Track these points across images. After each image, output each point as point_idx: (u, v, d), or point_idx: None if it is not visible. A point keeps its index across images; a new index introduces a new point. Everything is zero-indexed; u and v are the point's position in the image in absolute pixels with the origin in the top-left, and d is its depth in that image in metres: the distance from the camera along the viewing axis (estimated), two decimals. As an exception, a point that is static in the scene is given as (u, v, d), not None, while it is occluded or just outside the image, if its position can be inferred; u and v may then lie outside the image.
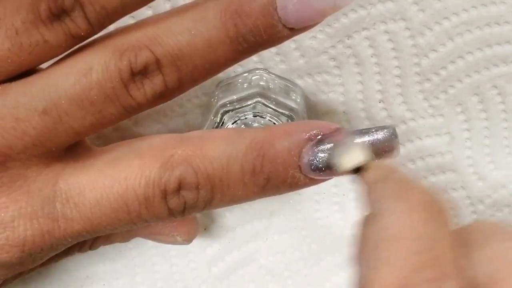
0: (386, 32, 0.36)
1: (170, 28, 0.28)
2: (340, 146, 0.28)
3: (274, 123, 0.34)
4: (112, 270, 0.42)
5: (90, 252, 0.37)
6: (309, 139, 0.28)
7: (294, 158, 0.28)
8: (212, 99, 0.37)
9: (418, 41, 0.36)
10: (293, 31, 0.28)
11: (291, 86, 0.36)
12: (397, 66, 0.37)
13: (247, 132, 0.29)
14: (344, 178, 0.40)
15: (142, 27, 0.28)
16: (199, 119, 0.38)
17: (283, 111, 0.34)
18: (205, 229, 0.41)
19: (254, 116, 0.34)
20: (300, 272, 0.42)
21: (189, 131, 0.31)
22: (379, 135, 0.28)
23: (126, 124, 0.38)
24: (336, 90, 0.38)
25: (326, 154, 0.28)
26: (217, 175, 0.28)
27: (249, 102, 0.34)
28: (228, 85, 0.36)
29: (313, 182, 0.29)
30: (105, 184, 0.28)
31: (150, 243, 0.41)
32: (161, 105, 0.36)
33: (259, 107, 0.34)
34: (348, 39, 0.36)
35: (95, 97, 0.27)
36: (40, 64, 0.28)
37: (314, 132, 0.29)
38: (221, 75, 0.37)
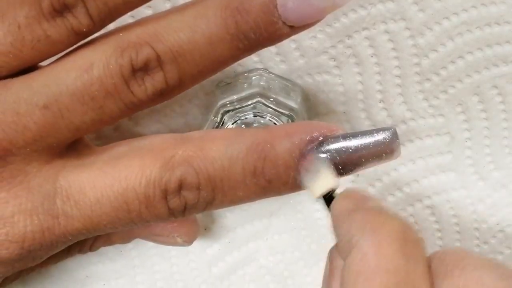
0: (386, 32, 0.36)
1: (171, 25, 0.28)
2: (309, 171, 0.28)
3: (274, 123, 0.34)
4: (112, 270, 0.42)
5: (90, 252, 0.37)
6: (311, 141, 0.28)
7: (295, 159, 0.28)
8: (212, 99, 0.37)
9: (418, 41, 0.36)
10: (293, 29, 0.28)
11: (291, 86, 0.36)
12: (397, 66, 0.37)
13: (248, 133, 0.29)
14: (343, 179, 0.40)
15: (143, 25, 0.28)
16: (200, 119, 0.38)
17: (283, 111, 0.34)
18: (205, 229, 0.41)
19: (254, 116, 0.34)
20: (300, 272, 0.42)
21: (189, 131, 0.31)
22: (380, 137, 0.28)
23: (126, 124, 0.38)
24: (336, 90, 0.38)
25: (327, 156, 0.28)
26: (218, 176, 0.28)
27: (249, 102, 0.34)
28: (228, 85, 0.36)
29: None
30: (106, 183, 0.28)
31: (150, 243, 0.41)
32: (161, 105, 0.37)
33: (259, 107, 0.34)
34: (348, 39, 0.36)
35: (96, 93, 0.27)
36: (42, 60, 0.28)
37: (316, 133, 0.29)
38: (221, 75, 0.37)
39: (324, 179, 0.28)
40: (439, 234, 0.41)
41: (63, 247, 0.30)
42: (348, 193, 0.28)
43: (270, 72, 0.36)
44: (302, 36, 0.36)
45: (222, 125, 0.35)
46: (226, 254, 0.42)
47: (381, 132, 0.28)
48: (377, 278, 0.23)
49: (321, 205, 0.41)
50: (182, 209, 0.29)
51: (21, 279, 0.35)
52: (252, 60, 0.37)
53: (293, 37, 0.35)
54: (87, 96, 0.27)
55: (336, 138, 0.28)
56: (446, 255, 0.25)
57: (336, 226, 0.26)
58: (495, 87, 0.38)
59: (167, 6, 0.35)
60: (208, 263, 0.42)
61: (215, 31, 0.27)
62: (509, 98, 0.38)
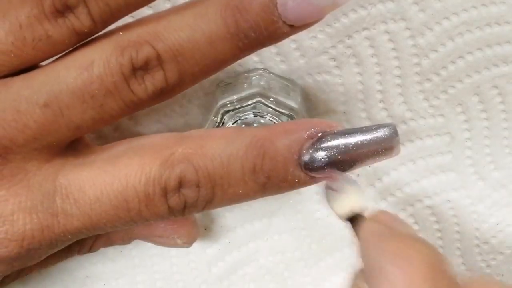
0: (387, 32, 0.36)
1: (171, 24, 0.28)
2: (332, 189, 0.28)
3: (274, 123, 0.34)
4: (112, 270, 0.42)
5: (90, 252, 0.37)
6: (310, 137, 0.29)
7: (295, 156, 0.28)
8: (213, 99, 0.37)
9: (418, 41, 0.36)
10: (293, 28, 0.28)
11: (291, 86, 0.36)
12: (397, 66, 0.37)
13: (248, 131, 0.29)
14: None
15: (143, 24, 0.28)
16: (200, 119, 0.38)
17: (284, 111, 0.34)
18: (205, 229, 0.41)
19: (255, 116, 0.34)
20: (300, 272, 0.42)
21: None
22: (379, 133, 0.28)
23: (126, 124, 0.38)
24: (336, 90, 0.38)
25: (326, 152, 0.28)
26: (218, 173, 0.28)
27: (250, 102, 0.34)
28: (228, 85, 0.36)
29: (314, 180, 0.29)
30: (105, 181, 0.28)
31: (150, 243, 0.41)
32: (161, 105, 0.37)
33: (260, 107, 0.34)
34: (348, 39, 0.36)
35: (96, 91, 0.27)
36: (43, 60, 0.28)
37: (314, 130, 0.29)
38: (221, 75, 0.37)
39: (350, 199, 0.28)
40: (439, 234, 0.41)
41: (62, 246, 0.30)
42: (378, 216, 0.28)
43: (270, 72, 0.36)
44: (302, 36, 0.36)
45: (222, 125, 0.35)
46: (226, 254, 0.42)
47: (380, 128, 0.28)
48: None
49: (322, 207, 0.41)
50: (181, 208, 0.29)
51: (20, 279, 0.35)
52: (252, 60, 0.37)
53: (293, 37, 0.35)
54: (87, 94, 0.27)
55: (335, 135, 0.28)
56: (481, 283, 0.24)
57: (365, 250, 0.26)
58: (495, 87, 0.38)
59: (167, 6, 0.35)
60: (208, 263, 0.42)
61: (215, 30, 0.27)
62: (509, 98, 0.38)
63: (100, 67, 0.27)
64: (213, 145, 0.29)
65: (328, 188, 0.28)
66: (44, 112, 0.27)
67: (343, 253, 0.41)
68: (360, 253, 0.27)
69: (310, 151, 0.28)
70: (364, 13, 0.36)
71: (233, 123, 0.34)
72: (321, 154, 0.28)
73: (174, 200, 0.28)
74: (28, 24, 0.27)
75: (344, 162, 0.28)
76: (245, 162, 0.28)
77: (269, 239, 0.41)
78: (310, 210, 0.41)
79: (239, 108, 0.34)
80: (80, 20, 0.27)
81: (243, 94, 0.35)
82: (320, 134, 0.29)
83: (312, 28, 0.35)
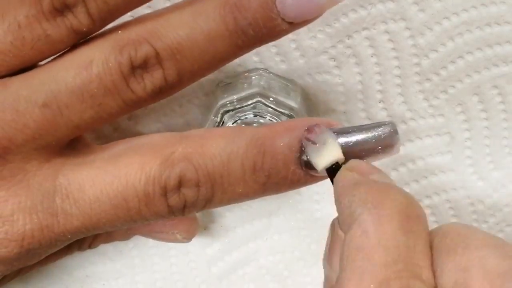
0: (386, 32, 0.36)
1: (169, 22, 0.28)
2: (314, 144, 0.28)
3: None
4: (112, 270, 0.42)
5: (90, 251, 0.37)
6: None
7: (295, 154, 0.28)
8: (212, 99, 0.37)
9: (418, 41, 0.36)
10: (292, 25, 0.28)
11: (291, 86, 0.36)
12: (397, 66, 0.37)
13: (248, 130, 0.29)
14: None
15: (142, 22, 0.28)
16: (200, 119, 0.38)
17: (283, 111, 0.34)
18: (205, 228, 0.41)
19: (254, 115, 0.34)
20: (300, 272, 0.42)
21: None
22: (379, 131, 0.28)
23: (126, 124, 0.38)
24: (336, 90, 0.38)
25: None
26: (218, 172, 0.28)
27: (249, 102, 0.34)
28: (228, 85, 0.36)
29: (314, 179, 0.29)
30: (105, 181, 0.28)
31: (150, 242, 0.41)
32: (161, 104, 0.37)
33: (259, 107, 0.34)
34: (348, 39, 0.36)
35: (95, 90, 0.27)
36: (42, 59, 0.28)
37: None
38: (221, 75, 0.37)
39: (329, 152, 0.28)
40: (439, 234, 0.41)
41: (62, 246, 0.30)
42: (352, 165, 0.28)
43: (270, 72, 0.37)
44: (302, 36, 0.36)
45: (222, 124, 0.35)
46: (226, 253, 0.42)
47: (380, 126, 0.28)
48: (376, 255, 0.23)
49: (322, 207, 0.41)
50: (181, 207, 0.29)
51: (21, 278, 0.35)
52: (252, 60, 0.37)
53: (293, 36, 0.36)
54: (86, 93, 0.27)
55: (335, 133, 0.28)
56: (449, 231, 0.24)
57: (338, 199, 0.26)
58: (495, 87, 0.38)
59: (166, 4, 0.35)
60: (207, 262, 0.42)
61: (214, 28, 0.27)
62: (509, 98, 0.38)
63: (99, 66, 0.27)
64: (213, 144, 0.29)
65: (307, 140, 0.28)
66: (43, 112, 0.27)
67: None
68: (335, 201, 0.27)
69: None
70: (364, 13, 0.36)
71: (233, 123, 0.34)
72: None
73: (174, 199, 0.28)
74: (27, 23, 0.27)
75: (344, 160, 0.28)
76: (245, 160, 0.28)
77: (269, 239, 0.41)
78: (310, 210, 0.41)
79: (239, 108, 0.34)
80: (78, 19, 0.27)
81: (243, 94, 0.35)
82: None
83: (312, 28, 0.35)
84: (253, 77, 0.36)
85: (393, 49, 0.37)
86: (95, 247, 0.37)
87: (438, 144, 0.39)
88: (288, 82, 0.37)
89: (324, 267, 0.27)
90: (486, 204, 0.40)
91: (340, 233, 0.26)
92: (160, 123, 0.38)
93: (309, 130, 0.28)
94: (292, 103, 0.35)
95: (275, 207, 0.41)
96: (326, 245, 0.28)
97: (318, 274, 0.42)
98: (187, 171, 0.28)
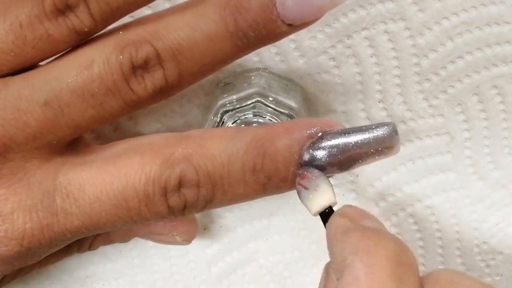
0: (386, 32, 0.36)
1: (170, 23, 0.28)
2: (307, 188, 0.28)
3: (274, 122, 0.34)
4: (112, 270, 0.42)
5: (90, 252, 0.37)
6: (310, 137, 0.29)
7: (295, 155, 0.28)
8: (212, 99, 0.37)
9: (417, 41, 0.36)
10: (292, 27, 0.28)
11: (291, 85, 0.36)
12: (396, 66, 0.37)
13: (248, 130, 0.29)
14: (343, 178, 0.40)
15: (143, 23, 0.28)
16: (199, 119, 0.38)
17: (283, 111, 0.34)
18: (204, 229, 0.41)
19: (254, 115, 0.34)
20: (300, 272, 0.42)
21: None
22: (379, 132, 0.28)
23: (126, 124, 0.38)
24: (336, 90, 0.38)
25: (326, 152, 0.28)
26: (218, 173, 0.28)
27: (249, 102, 0.34)
28: (228, 85, 0.36)
29: (313, 180, 0.29)
30: (105, 180, 0.28)
31: (150, 243, 0.41)
32: (161, 104, 0.37)
33: (259, 107, 0.34)
34: (347, 39, 0.36)
35: (96, 90, 0.27)
36: (43, 59, 0.29)
37: (314, 129, 0.29)
38: (221, 75, 0.37)
39: (322, 196, 0.28)
40: (438, 234, 0.41)
41: (62, 246, 0.30)
42: (344, 211, 0.28)
43: (270, 72, 0.37)
44: (302, 36, 0.36)
45: (222, 124, 0.35)
46: (226, 254, 0.42)
47: (380, 127, 0.28)
48: None
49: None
50: (181, 207, 0.29)
51: (20, 278, 0.35)
52: (252, 60, 0.37)
53: (292, 37, 0.36)
54: (87, 93, 0.27)
55: (335, 134, 0.28)
56: (440, 278, 0.24)
57: (331, 245, 0.26)
58: (495, 87, 0.38)
59: (167, 6, 0.35)
60: (207, 263, 0.42)
61: (214, 29, 0.28)
62: (509, 98, 0.38)
63: (100, 66, 0.27)
64: (213, 145, 0.29)
65: (299, 185, 0.28)
66: (44, 111, 0.28)
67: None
68: (328, 247, 0.27)
69: (310, 150, 0.28)
70: (363, 13, 0.36)
71: (232, 123, 0.34)
72: (321, 154, 0.28)
73: (174, 200, 0.28)
74: (29, 23, 0.27)
75: (344, 161, 0.28)
76: (245, 161, 0.28)
77: (268, 239, 0.41)
78: (310, 210, 0.41)
79: (238, 108, 0.34)
80: (80, 19, 0.27)
81: (243, 94, 0.35)
82: (320, 134, 0.29)
83: (311, 28, 0.35)
84: (253, 77, 0.36)
85: (393, 49, 0.37)
86: (94, 249, 0.37)
87: (438, 144, 0.39)
88: (288, 82, 0.37)
89: None
90: (485, 204, 0.40)
91: (333, 277, 0.26)
92: (160, 123, 0.38)
93: (302, 176, 0.28)
94: (292, 103, 0.35)
95: (275, 207, 0.41)
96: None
97: (318, 274, 0.42)
98: (187, 171, 0.28)
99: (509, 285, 0.42)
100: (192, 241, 0.38)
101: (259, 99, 0.34)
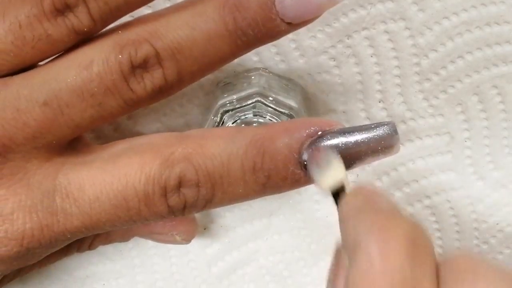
0: (386, 32, 0.36)
1: (169, 22, 0.28)
2: (318, 164, 0.28)
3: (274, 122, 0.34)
4: (112, 270, 0.42)
5: (90, 252, 0.37)
6: (309, 136, 0.29)
7: (295, 154, 0.28)
8: (212, 99, 0.37)
9: (418, 41, 0.36)
10: (291, 25, 0.28)
11: (291, 85, 0.36)
12: (397, 66, 0.37)
13: (247, 130, 0.29)
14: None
15: (142, 22, 0.28)
16: (199, 119, 0.38)
17: (283, 110, 0.34)
18: (204, 229, 0.41)
19: (254, 115, 0.34)
20: (300, 272, 0.42)
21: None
22: (379, 132, 0.28)
23: (126, 124, 0.38)
24: (336, 90, 0.38)
25: (325, 152, 0.28)
26: (218, 172, 0.28)
27: (249, 102, 0.34)
28: (228, 85, 0.36)
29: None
30: (105, 180, 0.28)
31: (150, 243, 0.41)
32: (161, 105, 0.37)
33: (259, 107, 0.34)
34: (348, 39, 0.36)
35: (95, 89, 0.27)
36: (43, 59, 0.29)
37: (314, 128, 0.29)
38: (220, 74, 0.37)
39: (333, 172, 0.28)
40: (439, 234, 0.41)
41: (62, 246, 0.30)
42: (358, 190, 0.27)
43: (270, 72, 0.37)
44: (302, 36, 0.36)
45: (222, 124, 0.35)
46: (226, 253, 0.42)
47: (380, 126, 0.28)
48: (381, 282, 0.22)
49: (322, 207, 0.41)
50: (181, 207, 0.29)
51: (20, 278, 0.35)
52: (252, 59, 0.37)
53: (292, 36, 0.36)
54: (86, 92, 0.27)
55: (335, 133, 0.28)
56: (457, 261, 0.24)
57: (343, 225, 0.26)
58: (495, 87, 0.38)
59: (167, 5, 0.35)
60: (207, 263, 0.42)
61: (213, 28, 0.28)
62: (509, 98, 0.38)
63: (99, 65, 0.27)
64: (213, 145, 0.29)
65: (312, 162, 0.28)
66: (44, 111, 0.28)
67: (343, 253, 0.41)
68: (340, 227, 0.26)
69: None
70: (363, 13, 0.36)
71: (232, 123, 0.34)
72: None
73: (174, 199, 0.28)
74: (28, 23, 0.27)
75: (344, 160, 0.28)
76: (245, 161, 0.28)
77: (269, 239, 0.41)
78: (310, 210, 0.41)
79: (238, 107, 0.34)
80: (79, 19, 0.27)
81: (243, 93, 0.35)
82: (319, 133, 0.29)
83: (311, 27, 0.35)
84: (253, 77, 0.36)
85: (393, 49, 0.37)
86: (94, 248, 0.37)
87: (438, 144, 0.39)
88: (288, 82, 0.37)
89: None
90: (486, 203, 0.40)
91: (345, 258, 0.25)
92: (160, 123, 0.38)
93: (314, 151, 0.28)
94: (292, 103, 0.35)
95: (275, 207, 0.41)
96: (330, 269, 0.27)
97: (318, 274, 0.42)
98: (187, 171, 0.28)
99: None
100: (192, 241, 0.38)
101: (259, 99, 0.34)
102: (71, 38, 0.28)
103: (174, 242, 0.37)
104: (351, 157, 0.28)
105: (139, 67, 0.27)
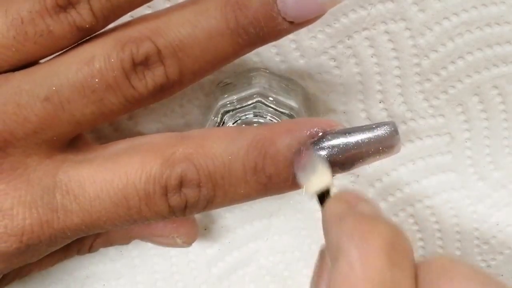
0: (386, 32, 0.36)
1: (171, 20, 0.28)
2: (304, 168, 0.28)
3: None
4: (112, 270, 0.42)
5: (89, 253, 0.37)
6: (310, 136, 0.29)
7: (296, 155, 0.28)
8: (213, 99, 0.37)
9: (418, 41, 0.36)
10: (293, 24, 0.28)
11: (291, 85, 0.36)
12: (397, 66, 0.37)
13: (248, 130, 0.29)
14: (343, 178, 0.40)
15: (144, 21, 0.28)
16: (200, 119, 0.38)
17: (284, 111, 0.34)
18: (205, 229, 0.41)
19: (255, 115, 0.34)
20: (300, 272, 0.42)
21: (189, 131, 0.31)
22: (380, 132, 0.28)
23: (126, 124, 0.38)
24: (336, 90, 0.38)
25: (327, 151, 0.28)
26: (219, 172, 0.28)
27: (250, 102, 0.34)
28: (228, 85, 0.36)
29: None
30: (106, 179, 0.28)
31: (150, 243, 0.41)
32: (161, 105, 0.37)
33: (260, 107, 0.34)
34: (348, 39, 0.36)
35: (96, 86, 0.27)
36: (44, 56, 0.29)
37: (315, 129, 0.29)
38: (221, 75, 0.37)
39: (319, 177, 0.28)
40: (439, 234, 0.41)
41: (61, 244, 0.30)
42: (341, 195, 0.27)
43: (271, 72, 0.37)
44: (302, 36, 0.36)
45: (222, 125, 0.35)
46: (226, 254, 0.42)
47: (381, 126, 0.28)
48: (362, 285, 0.22)
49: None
50: (182, 207, 0.29)
51: (20, 279, 0.35)
52: (253, 60, 0.37)
53: (293, 37, 0.36)
54: (88, 88, 0.28)
55: (336, 134, 0.28)
56: (435, 263, 0.24)
57: (326, 229, 0.26)
58: (495, 87, 0.38)
59: (167, 5, 0.35)
60: (208, 263, 0.42)
61: (215, 26, 0.28)
62: (509, 98, 0.38)
63: (101, 61, 0.27)
64: (214, 145, 0.29)
65: (298, 167, 0.28)
66: (45, 106, 0.28)
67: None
68: (323, 231, 0.27)
69: (308, 151, 0.28)
70: (364, 13, 0.36)
71: (233, 123, 0.34)
72: (321, 153, 0.28)
73: (175, 199, 0.28)
74: (30, 19, 0.27)
75: (345, 161, 0.28)
76: (246, 161, 0.28)
77: (269, 239, 0.41)
78: (310, 210, 0.41)
79: (239, 108, 0.34)
80: (81, 15, 0.27)
81: (243, 94, 0.35)
82: (320, 133, 0.29)
83: (312, 28, 0.35)
84: (253, 77, 0.36)
85: (393, 49, 0.37)
86: (94, 251, 0.37)
87: (438, 144, 0.39)
88: (288, 82, 0.37)
89: None
90: (486, 204, 0.40)
91: (328, 261, 0.26)
92: (160, 123, 0.38)
93: (300, 156, 0.28)
94: (292, 103, 0.35)
95: (275, 207, 0.41)
96: (314, 271, 0.28)
97: (318, 274, 0.42)
98: (188, 171, 0.28)
99: (509, 285, 0.42)
100: (192, 242, 0.38)
101: (259, 99, 0.34)
102: (73, 34, 0.28)
103: (175, 245, 0.37)
104: (352, 157, 0.28)
105: (141, 64, 0.27)
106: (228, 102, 0.35)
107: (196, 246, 0.41)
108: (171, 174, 0.28)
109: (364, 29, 0.36)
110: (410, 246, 0.25)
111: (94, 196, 0.28)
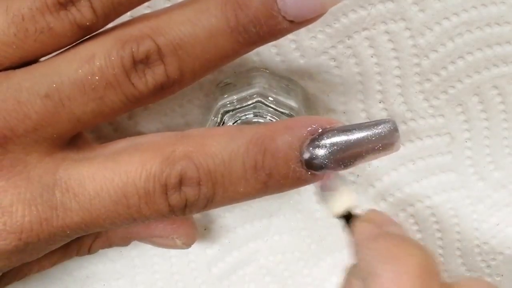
0: (386, 32, 0.36)
1: (172, 19, 0.28)
2: (328, 189, 0.29)
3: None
4: (112, 270, 0.42)
5: (89, 253, 0.37)
6: (310, 134, 0.29)
7: (296, 152, 0.28)
8: (213, 99, 0.37)
9: (418, 41, 0.36)
10: (293, 24, 0.28)
11: (291, 85, 0.36)
12: (397, 66, 0.37)
13: (248, 129, 0.29)
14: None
15: (145, 19, 0.29)
16: (200, 120, 0.38)
17: (284, 111, 0.34)
18: (205, 229, 0.41)
19: (255, 115, 0.34)
20: (300, 272, 0.42)
21: (189, 131, 0.31)
22: (379, 129, 0.28)
23: (126, 124, 0.38)
24: (336, 90, 0.38)
25: (327, 149, 0.28)
26: (219, 171, 0.28)
27: (250, 102, 0.34)
28: (228, 85, 0.36)
29: (315, 178, 0.29)
30: (106, 177, 0.28)
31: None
32: (161, 105, 0.37)
33: (260, 107, 0.34)
34: (348, 39, 0.36)
35: (97, 83, 0.28)
36: (45, 53, 0.29)
37: (315, 126, 0.29)
38: (221, 75, 0.37)
39: (343, 197, 0.28)
40: (439, 235, 0.41)
41: (61, 243, 0.30)
42: (370, 216, 0.28)
43: (270, 72, 0.37)
44: (302, 36, 0.36)
45: (222, 125, 0.35)
46: (226, 254, 0.42)
47: (380, 124, 0.28)
48: None
49: (322, 208, 0.41)
50: (182, 206, 0.29)
51: (20, 279, 0.35)
52: (252, 60, 0.37)
53: (293, 37, 0.36)
54: (88, 86, 0.28)
55: (335, 131, 0.28)
56: (461, 285, 0.25)
57: (358, 250, 0.27)
58: (495, 87, 0.38)
59: (167, 5, 0.35)
60: (208, 263, 0.42)
61: (215, 25, 0.28)
62: (509, 98, 0.38)
63: (101, 59, 0.27)
64: (214, 143, 0.29)
65: (321, 186, 0.29)
66: (45, 103, 0.28)
67: (343, 253, 0.41)
68: (354, 253, 0.27)
69: (311, 147, 0.28)
70: (364, 13, 0.36)
71: (233, 123, 0.34)
72: (322, 151, 0.28)
73: (175, 198, 0.28)
74: (31, 16, 0.27)
75: (344, 158, 0.28)
76: (246, 159, 0.28)
77: (269, 239, 0.41)
78: (310, 210, 0.41)
79: (239, 108, 0.34)
80: (82, 13, 0.28)
81: (243, 94, 0.35)
82: (320, 131, 0.29)
83: (312, 28, 0.35)
84: (253, 77, 0.36)
85: (393, 49, 0.37)
86: (94, 252, 0.37)
87: (438, 144, 0.39)
88: (288, 82, 0.37)
89: None
90: (486, 204, 0.40)
91: (357, 280, 0.26)
92: (160, 123, 0.38)
93: (322, 177, 0.29)
94: (292, 103, 0.35)
95: (275, 207, 0.41)
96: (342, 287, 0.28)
97: (318, 274, 0.42)
98: (188, 169, 0.28)
99: (510, 286, 0.42)
100: (191, 242, 0.38)
101: (259, 99, 0.34)
102: (74, 32, 0.28)
103: (175, 246, 0.37)
104: (351, 154, 0.28)
105: (141, 62, 0.27)
106: (228, 102, 0.35)
107: (196, 246, 0.41)
108: (171, 172, 0.28)
109: (364, 29, 0.36)
110: (438, 267, 0.25)
111: (94, 194, 0.28)
